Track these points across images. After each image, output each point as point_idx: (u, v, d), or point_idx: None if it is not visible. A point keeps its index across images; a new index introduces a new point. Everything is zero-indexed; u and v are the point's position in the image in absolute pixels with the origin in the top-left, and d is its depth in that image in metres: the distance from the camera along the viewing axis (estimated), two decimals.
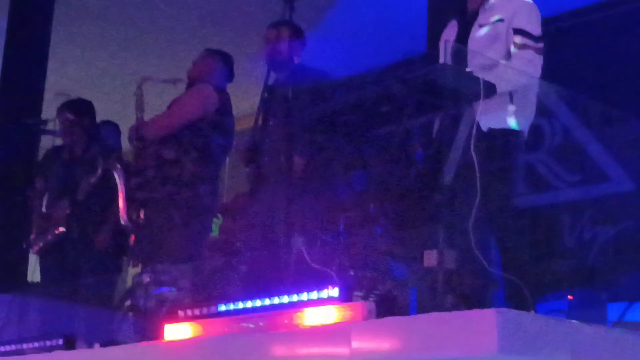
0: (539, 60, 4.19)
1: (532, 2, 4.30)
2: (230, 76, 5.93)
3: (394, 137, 3.91)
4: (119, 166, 5.92)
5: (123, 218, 5.77)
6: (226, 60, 5.93)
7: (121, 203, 5.76)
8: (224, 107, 5.72)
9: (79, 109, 6.50)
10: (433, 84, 3.77)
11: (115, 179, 5.90)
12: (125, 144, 6.37)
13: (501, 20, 4.23)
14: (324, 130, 4.52)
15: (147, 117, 5.78)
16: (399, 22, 7.97)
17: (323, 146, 4.77)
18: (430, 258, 3.50)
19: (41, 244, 6.21)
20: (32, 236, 6.24)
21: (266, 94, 5.35)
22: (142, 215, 5.63)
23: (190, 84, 5.81)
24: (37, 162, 6.76)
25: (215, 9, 8.49)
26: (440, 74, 3.79)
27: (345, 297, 3.45)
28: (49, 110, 7.28)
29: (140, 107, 5.81)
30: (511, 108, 4.08)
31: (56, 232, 6.16)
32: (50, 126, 6.51)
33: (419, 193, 3.88)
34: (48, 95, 8.01)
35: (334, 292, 3.47)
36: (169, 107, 5.80)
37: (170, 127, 5.61)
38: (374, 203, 4.01)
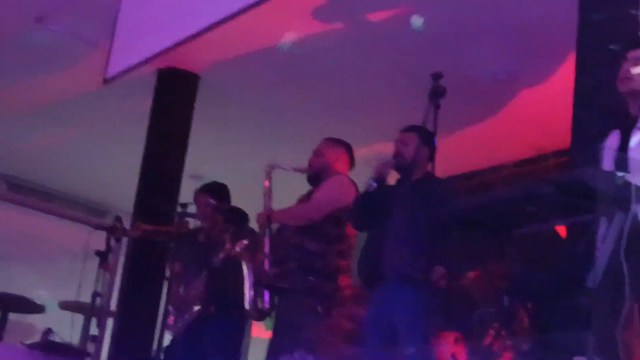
0: None
1: None
2: (352, 165, 5.94)
3: (540, 238, 3.85)
4: (246, 254, 5.93)
5: (248, 304, 5.77)
6: (349, 149, 5.95)
7: (246, 290, 5.78)
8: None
9: (217, 193, 6.50)
10: (583, 187, 3.70)
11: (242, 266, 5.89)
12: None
13: None
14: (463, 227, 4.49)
15: (274, 203, 5.76)
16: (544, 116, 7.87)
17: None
18: None
19: (179, 325, 6.16)
20: (171, 318, 6.24)
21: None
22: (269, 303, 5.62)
23: (316, 174, 5.84)
24: (172, 246, 6.74)
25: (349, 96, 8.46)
26: (591, 177, 3.74)
27: None
28: (185, 193, 7.38)
29: (269, 193, 5.80)
30: None
31: (193, 311, 6.12)
32: (189, 209, 6.49)
33: (563, 296, 3.80)
34: (185, 179, 8.17)
35: None
36: (310, 196, 5.80)
37: (314, 217, 5.62)
38: (517, 304, 3.95)
